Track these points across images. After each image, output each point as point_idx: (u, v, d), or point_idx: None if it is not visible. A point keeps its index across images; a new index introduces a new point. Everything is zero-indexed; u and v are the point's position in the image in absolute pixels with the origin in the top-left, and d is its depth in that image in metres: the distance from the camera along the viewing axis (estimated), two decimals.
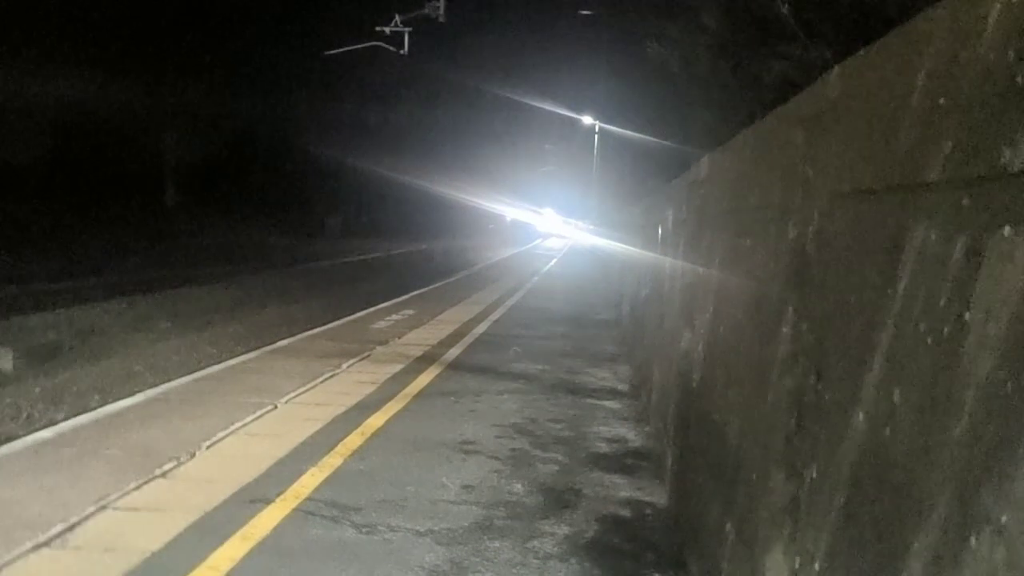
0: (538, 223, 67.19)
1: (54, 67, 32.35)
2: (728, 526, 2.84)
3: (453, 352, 9.63)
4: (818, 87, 2.24)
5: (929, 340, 1.39)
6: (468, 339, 10.72)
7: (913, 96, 1.53)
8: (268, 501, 4.36)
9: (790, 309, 2.31)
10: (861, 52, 1.89)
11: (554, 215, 66.97)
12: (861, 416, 1.68)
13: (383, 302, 14.86)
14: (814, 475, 1.95)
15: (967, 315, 1.28)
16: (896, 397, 1.51)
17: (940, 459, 1.31)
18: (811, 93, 2.32)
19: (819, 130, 2.17)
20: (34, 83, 31.32)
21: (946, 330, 1.34)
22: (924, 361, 1.41)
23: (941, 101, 1.41)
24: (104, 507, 4.20)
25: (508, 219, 64.76)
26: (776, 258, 2.53)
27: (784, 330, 2.35)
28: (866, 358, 1.68)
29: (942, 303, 1.36)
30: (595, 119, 31.52)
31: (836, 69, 2.08)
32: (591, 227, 31.25)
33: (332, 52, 27.66)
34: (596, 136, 32.50)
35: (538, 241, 57.76)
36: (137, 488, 4.50)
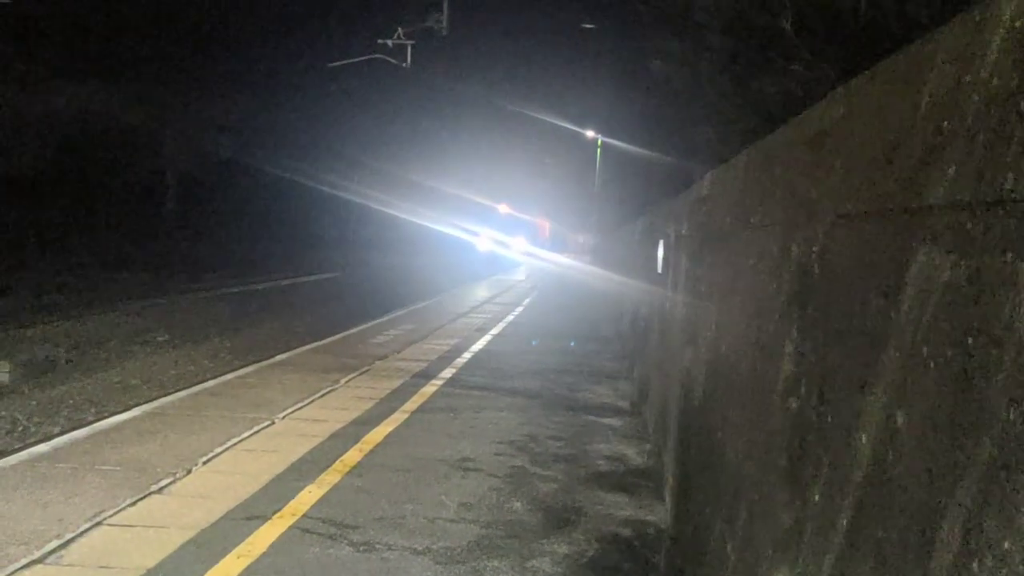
0: (479, 240, 42.32)
1: (50, 76, 32.52)
2: (730, 548, 2.81)
3: (452, 367, 9.60)
4: (822, 107, 2.23)
5: (932, 364, 1.38)
6: (467, 355, 10.70)
7: (917, 119, 1.53)
8: (265, 518, 4.33)
9: (793, 329, 2.30)
10: (865, 73, 1.89)
11: (508, 209, 44.62)
12: (864, 439, 1.66)
13: (381, 317, 14.85)
14: (817, 497, 1.93)
15: (970, 340, 1.27)
16: (899, 421, 1.49)
17: (943, 484, 1.29)
18: (815, 113, 2.32)
19: (823, 150, 2.17)
20: (33, 93, 31.48)
21: (949, 354, 1.33)
22: (927, 385, 1.39)
23: (945, 125, 1.41)
24: (99, 523, 4.17)
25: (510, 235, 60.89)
26: (779, 277, 2.52)
27: (787, 350, 2.33)
28: (869, 380, 1.66)
29: (945, 327, 1.35)
30: (597, 133, 31.57)
31: (840, 90, 2.08)
32: (592, 239, 30.98)
33: (334, 64, 27.77)
34: (599, 150, 32.56)
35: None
36: (133, 504, 4.47)
